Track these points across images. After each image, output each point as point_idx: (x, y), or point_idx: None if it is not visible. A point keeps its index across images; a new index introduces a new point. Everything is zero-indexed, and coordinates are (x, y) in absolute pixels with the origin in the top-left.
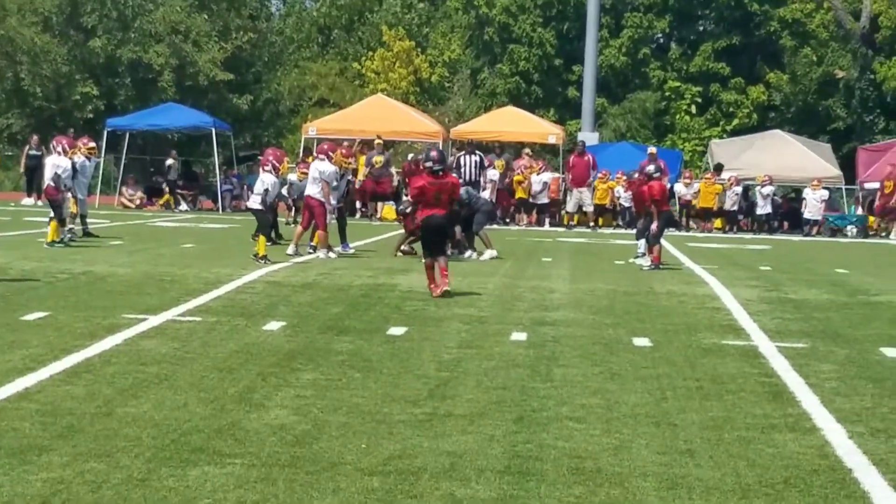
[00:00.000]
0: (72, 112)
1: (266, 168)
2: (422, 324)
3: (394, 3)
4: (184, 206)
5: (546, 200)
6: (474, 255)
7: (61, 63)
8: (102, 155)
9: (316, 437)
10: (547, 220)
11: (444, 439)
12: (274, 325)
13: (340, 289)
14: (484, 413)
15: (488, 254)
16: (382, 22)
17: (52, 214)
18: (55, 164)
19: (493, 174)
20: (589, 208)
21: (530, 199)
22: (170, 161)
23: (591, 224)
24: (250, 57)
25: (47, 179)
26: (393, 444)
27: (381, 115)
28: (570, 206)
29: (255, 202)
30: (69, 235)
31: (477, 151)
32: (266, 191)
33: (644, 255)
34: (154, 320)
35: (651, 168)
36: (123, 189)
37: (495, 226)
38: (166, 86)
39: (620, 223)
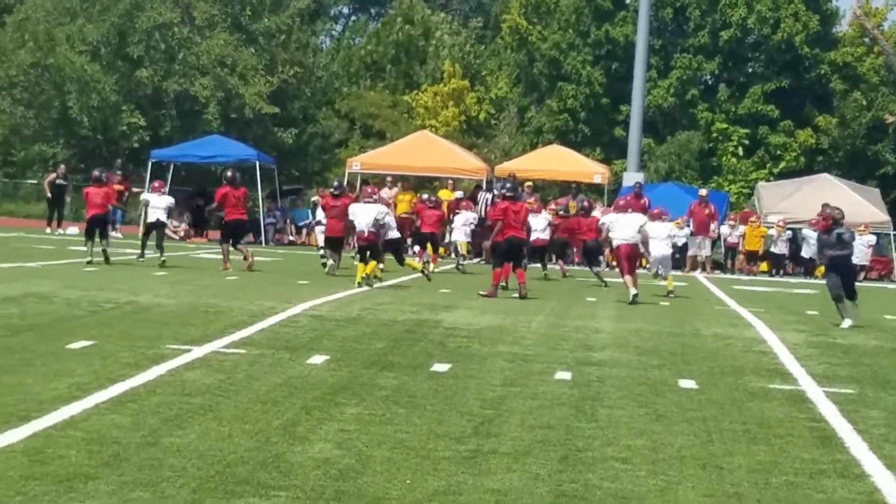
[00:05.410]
0: (118, 142)
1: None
2: (466, 361)
3: (449, 41)
4: None
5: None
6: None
7: (109, 92)
8: (147, 186)
9: (360, 471)
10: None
11: (488, 477)
12: (318, 359)
13: (384, 324)
14: (529, 451)
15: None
16: (447, 55)
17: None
18: (380, 211)
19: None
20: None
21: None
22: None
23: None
24: (296, 91)
25: (363, 227)
26: (437, 480)
27: (425, 151)
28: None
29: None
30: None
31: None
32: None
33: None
34: (198, 351)
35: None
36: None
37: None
38: (211, 118)
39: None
